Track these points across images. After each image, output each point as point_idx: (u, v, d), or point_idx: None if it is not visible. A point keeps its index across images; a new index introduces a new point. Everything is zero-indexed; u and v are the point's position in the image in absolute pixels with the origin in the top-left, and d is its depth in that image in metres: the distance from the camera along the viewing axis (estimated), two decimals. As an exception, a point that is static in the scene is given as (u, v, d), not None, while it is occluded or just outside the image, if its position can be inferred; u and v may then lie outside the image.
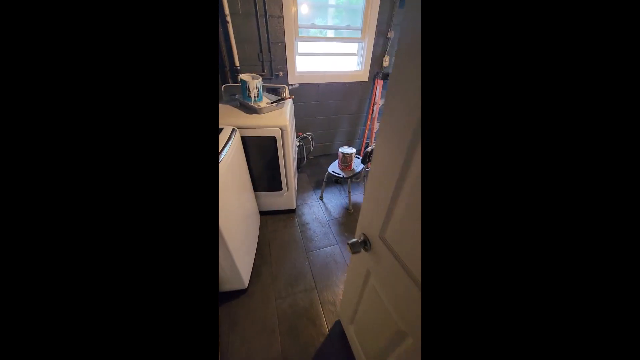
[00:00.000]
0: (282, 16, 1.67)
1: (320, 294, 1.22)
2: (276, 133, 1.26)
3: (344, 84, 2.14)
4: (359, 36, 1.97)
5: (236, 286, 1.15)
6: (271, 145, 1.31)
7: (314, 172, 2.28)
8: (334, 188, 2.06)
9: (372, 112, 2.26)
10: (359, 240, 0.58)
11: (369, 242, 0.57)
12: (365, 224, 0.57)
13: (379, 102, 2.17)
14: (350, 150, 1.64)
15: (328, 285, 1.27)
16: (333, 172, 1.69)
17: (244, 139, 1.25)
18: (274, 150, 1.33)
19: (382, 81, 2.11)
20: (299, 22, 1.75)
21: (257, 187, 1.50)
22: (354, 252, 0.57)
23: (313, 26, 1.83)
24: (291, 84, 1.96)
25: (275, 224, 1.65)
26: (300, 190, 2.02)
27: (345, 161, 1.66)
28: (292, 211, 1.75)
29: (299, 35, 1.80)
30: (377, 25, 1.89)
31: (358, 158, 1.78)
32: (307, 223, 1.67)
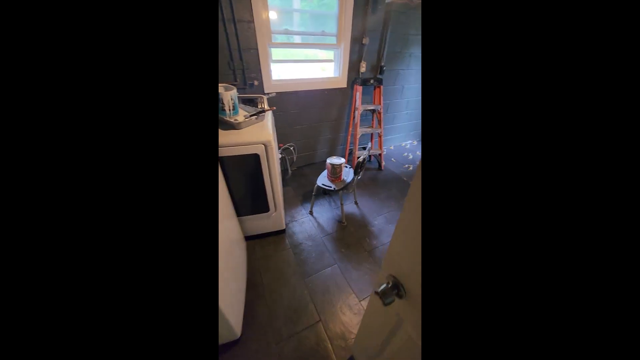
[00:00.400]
0: (253, 21, 1.53)
1: (327, 327, 1.08)
2: (259, 150, 1.11)
3: (322, 91, 2.06)
4: (335, 42, 1.92)
5: (227, 338, 0.96)
6: (254, 164, 1.15)
7: (300, 184, 2.14)
8: (322, 200, 1.94)
9: (354, 117, 2.22)
10: (389, 286, 0.47)
11: (403, 287, 0.46)
12: (396, 265, 0.47)
13: (359, 107, 2.13)
14: (339, 160, 1.55)
15: (333, 313, 1.13)
16: (323, 184, 1.58)
17: (221, 160, 1.08)
18: (258, 169, 1.17)
19: (361, 87, 2.08)
20: (272, 28, 1.63)
21: (240, 211, 1.31)
22: (386, 304, 0.46)
23: (287, 32, 1.73)
24: (268, 93, 1.82)
25: (265, 249, 1.47)
26: (288, 206, 1.86)
27: (335, 172, 1.57)
28: (282, 232, 1.59)
29: (272, 41, 1.68)
30: (351, 31, 1.86)
31: (347, 167, 1.70)
32: (300, 243, 1.53)
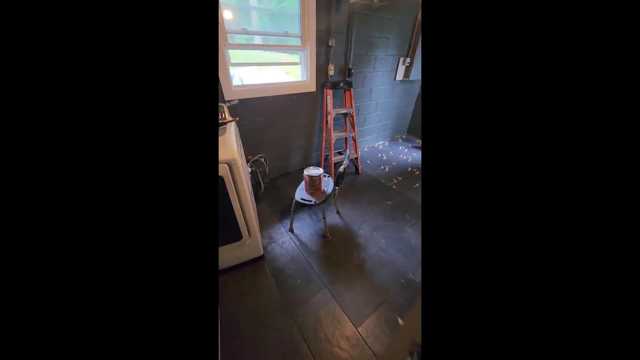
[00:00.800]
0: (202, 18, 1.31)
1: (324, 371, 0.92)
2: (222, 171, 0.91)
3: (291, 96, 1.92)
4: (300, 44, 1.80)
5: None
6: (218, 189, 0.95)
7: (276, 199, 1.95)
8: (302, 214, 1.79)
9: (327, 122, 2.12)
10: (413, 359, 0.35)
11: (436, 362, 0.34)
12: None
13: (331, 112, 2.04)
14: (317, 171, 1.42)
15: (330, 351, 0.98)
16: (302, 199, 1.43)
17: (172, 188, 0.85)
18: (223, 193, 0.97)
19: (331, 90, 1.99)
20: (227, 27, 1.43)
21: (205, 245, 1.08)
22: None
23: (245, 32, 1.54)
24: (228, 101, 1.60)
25: (241, 284, 1.25)
26: (264, 225, 1.66)
27: (314, 184, 1.43)
28: (260, 258, 1.38)
29: (229, 42, 1.48)
30: (317, 32, 1.76)
31: (326, 177, 1.57)
32: (282, 269, 1.34)
